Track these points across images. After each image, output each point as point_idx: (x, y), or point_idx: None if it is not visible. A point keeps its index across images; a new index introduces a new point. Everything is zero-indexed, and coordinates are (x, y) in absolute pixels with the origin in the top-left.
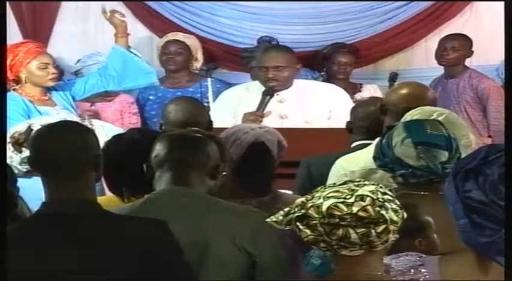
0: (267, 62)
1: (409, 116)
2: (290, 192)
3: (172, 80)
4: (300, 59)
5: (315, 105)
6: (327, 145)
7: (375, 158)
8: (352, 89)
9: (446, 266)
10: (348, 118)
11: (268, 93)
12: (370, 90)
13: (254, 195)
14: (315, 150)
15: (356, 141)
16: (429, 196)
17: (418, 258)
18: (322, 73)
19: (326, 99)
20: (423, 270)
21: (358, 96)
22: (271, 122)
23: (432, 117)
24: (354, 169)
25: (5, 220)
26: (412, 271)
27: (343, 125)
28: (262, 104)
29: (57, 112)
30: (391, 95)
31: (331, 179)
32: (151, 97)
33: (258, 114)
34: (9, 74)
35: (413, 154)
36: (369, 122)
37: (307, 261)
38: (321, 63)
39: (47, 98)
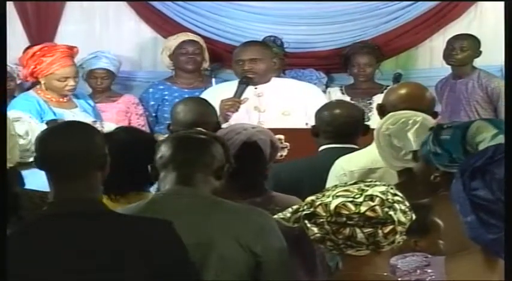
0: (243, 55)
1: (383, 125)
2: None
3: (185, 80)
4: (305, 59)
5: (292, 99)
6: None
7: (435, 153)
8: (376, 90)
9: (453, 266)
10: None
11: (244, 82)
12: None
13: (247, 196)
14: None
15: (323, 145)
16: None
17: (424, 258)
18: (349, 74)
19: (303, 96)
20: (429, 270)
21: (375, 98)
22: (248, 115)
23: (410, 122)
24: (353, 168)
25: (5, 220)
26: (418, 271)
27: None
28: (239, 92)
29: (73, 114)
30: (390, 95)
31: (330, 179)
32: (166, 97)
33: (236, 100)
34: (28, 78)
35: None
36: (336, 126)
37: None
38: (343, 64)
39: (65, 100)
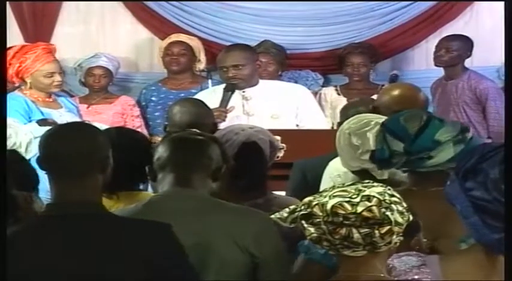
0: (226, 62)
1: (346, 124)
2: (284, 193)
3: (175, 81)
4: (301, 60)
5: (281, 102)
6: (321, 145)
7: (379, 150)
8: (372, 90)
9: (448, 265)
10: (315, 117)
11: (229, 89)
12: None
13: (248, 197)
14: (307, 151)
15: None
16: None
17: (419, 258)
18: (344, 75)
19: (292, 98)
20: (426, 270)
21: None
22: (238, 119)
23: (373, 123)
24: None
25: (5, 220)
26: (414, 270)
27: (310, 124)
28: (224, 101)
29: (60, 114)
30: (383, 97)
31: (325, 180)
32: (153, 98)
33: (222, 109)
34: (14, 78)
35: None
36: None
37: (306, 249)
38: (338, 65)
39: (51, 100)
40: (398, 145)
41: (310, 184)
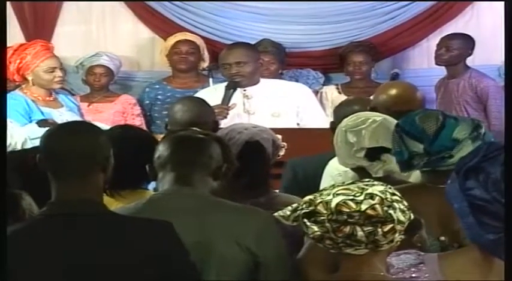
0: (229, 59)
1: (344, 122)
2: None
3: (180, 80)
4: (302, 59)
5: (282, 101)
6: (321, 144)
7: (397, 152)
8: (373, 88)
9: (447, 263)
10: (315, 117)
11: (231, 87)
12: None
13: (250, 196)
14: (308, 150)
15: None
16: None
17: (417, 256)
18: (345, 74)
19: (293, 96)
20: (424, 268)
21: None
22: (239, 117)
23: (370, 120)
24: (346, 168)
25: (5, 220)
26: (412, 269)
27: (311, 122)
28: (226, 98)
29: (60, 114)
30: (380, 96)
31: (325, 179)
32: (159, 97)
33: (224, 107)
34: (15, 76)
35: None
36: None
37: None
38: (339, 64)
39: (51, 99)
40: (417, 146)
41: (300, 183)
